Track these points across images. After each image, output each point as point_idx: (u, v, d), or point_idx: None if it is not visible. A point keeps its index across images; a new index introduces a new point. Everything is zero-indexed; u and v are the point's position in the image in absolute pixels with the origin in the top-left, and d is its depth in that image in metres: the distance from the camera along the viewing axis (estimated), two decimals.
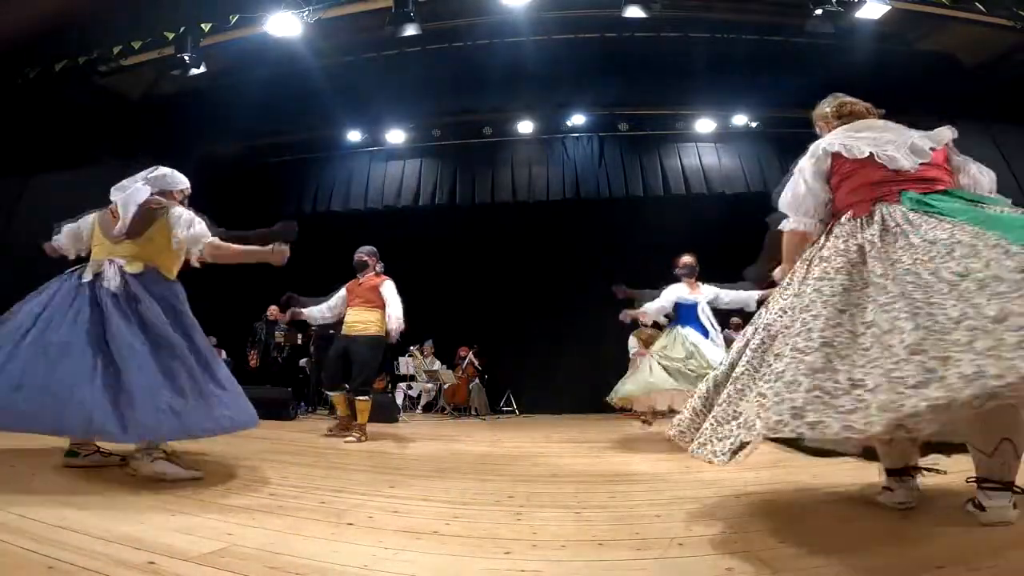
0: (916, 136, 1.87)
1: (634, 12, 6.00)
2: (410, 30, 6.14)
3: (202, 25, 6.44)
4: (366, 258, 4.74)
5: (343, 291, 4.78)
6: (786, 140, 9.10)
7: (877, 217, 1.69)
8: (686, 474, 2.74)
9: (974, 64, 7.33)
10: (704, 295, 4.32)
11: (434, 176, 9.57)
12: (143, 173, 2.85)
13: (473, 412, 8.42)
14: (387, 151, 9.69)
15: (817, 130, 2.16)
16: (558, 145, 9.44)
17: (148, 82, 8.17)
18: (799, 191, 1.96)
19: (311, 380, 7.77)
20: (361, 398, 4.40)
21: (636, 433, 4.80)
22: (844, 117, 2.05)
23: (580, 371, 8.97)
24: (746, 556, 1.46)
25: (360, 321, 4.55)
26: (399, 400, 8.18)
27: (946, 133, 1.92)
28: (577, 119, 9.03)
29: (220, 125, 8.24)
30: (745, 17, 7.45)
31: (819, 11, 5.98)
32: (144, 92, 8.33)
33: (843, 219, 1.79)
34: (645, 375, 4.12)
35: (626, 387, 4.35)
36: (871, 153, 1.80)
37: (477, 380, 8.77)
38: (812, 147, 1.96)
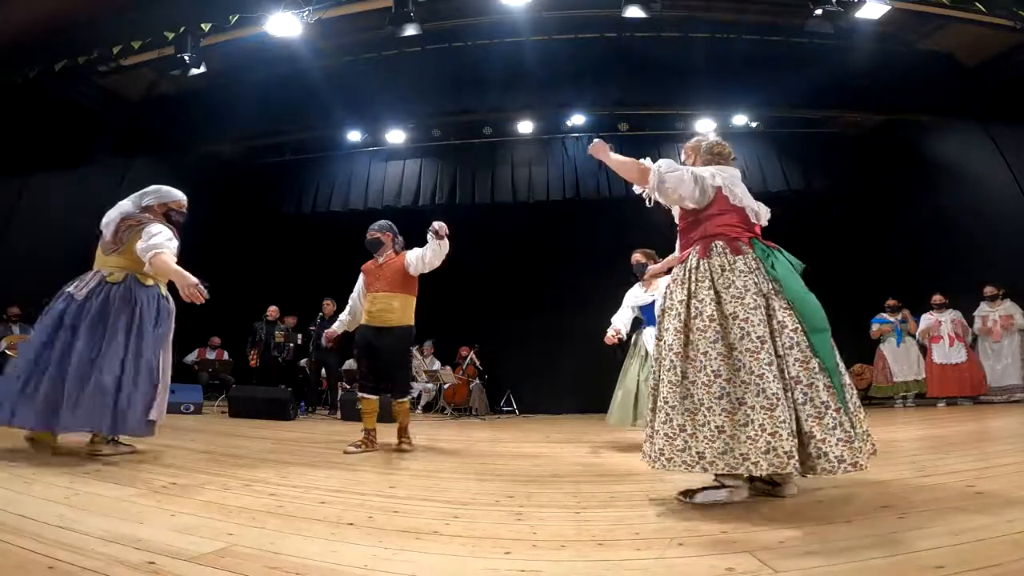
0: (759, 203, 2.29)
1: (634, 12, 6.00)
2: (410, 30, 6.13)
3: (202, 25, 6.44)
4: (379, 235, 4.02)
5: (361, 276, 4.10)
6: (786, 140, 9.12)
7: (749, 259, 2.11)
8: (686, 474, 2.73)
9: (974, 64, 7.33)
10: (660, 290, 4.00)
11: (434, 176, 9.57)
12: (138, 193, 3.19)
13: (473, 412, 8.42)
14: (387, 151, 9.69)
15: (683, 156, 2.46)
16: (558, 145, 9.44)
17: (148, 82, 8.18)
18: (683, 179, 2.20)
19: (311, 380, 7.77)
20: (401, 400, 3.94)
21: (636, 434, 4.78)
22: (715, 156, 2.37)
23: (580, 371, 8.96)
24: (746, 556, 1.46)
25: (385, 309, 3.84)
26: None
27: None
28: (577, 119, 9.02)
29: (220, 125, 8.25)
30: (745, 17, 7.46)
31: (819, 11, 5.97)
32: (144, 92, 8.34)
33: (715, 246, 2.15)
34: (628, 408, 4.02)
35: (615, 416, 4.17)
36: (746, 204, 2.22)
37: (477, 380, 8.76)
38: (703, 172, 2.24)
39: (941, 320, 7.02)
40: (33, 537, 1.50)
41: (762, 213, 2.25)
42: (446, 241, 3.82)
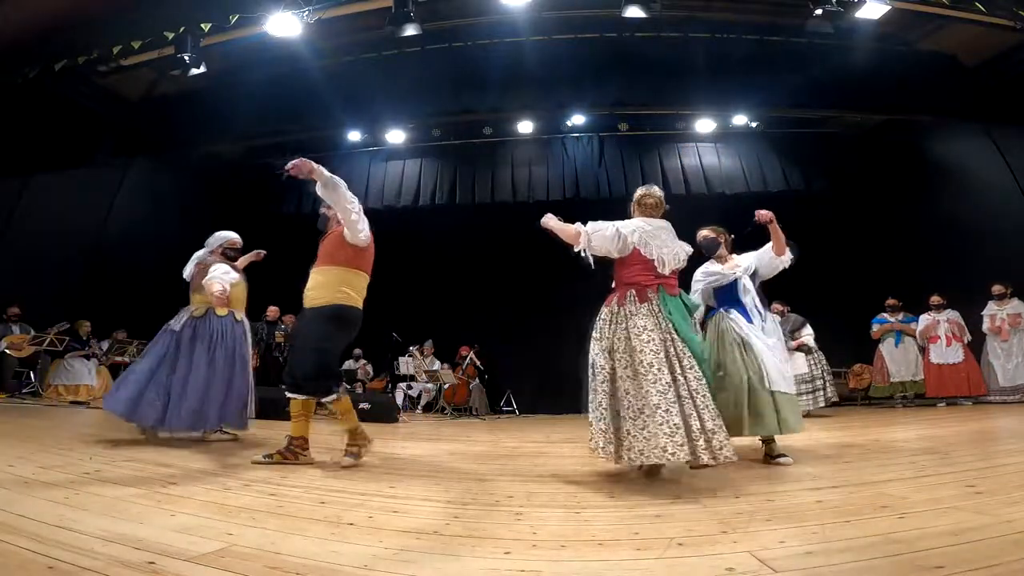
0: (679, 247, 2.83)
1: (634, 12, 5.99)
2: (410, 30, 6.13)
3: (202, 25, 6.44)
4: (325, 210, 3.31)
5: None
6: (786, 140, 9.11)
7: (652, 304, 2.68)
8: (686, 474, 2.74)
9: (974, 64, 7.33)
10: (743, 267, 3.34)
11: (434, 176, 9.57)
12: (207, 242, 4.07)
13: (473, 412, 8.42)
14: (387, 151, 9.68)
15: (631, 209, 2.95)
16: (558, 145, 9.44)
17: (148, 82, 8.17)
18: (606, 236, 2.75)
19: None
20: (327, 398, 3.09)
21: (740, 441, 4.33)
22: (643, 207, 2.89)
23: (580, 371, 8.95)
24: (746, 556, 1.46)
25: (311, 287, 3.08)
26: (399, 400, 8.18)
27: (688, 249, 2.91)
28: (577, 119, 9.02)
29: (220, 125, 8.24)
30: (745, 17, 7.46)
31: (819, 11, 5.97)
32: (144, 92, 8.34)
33: (630, 295, 2.71)
34: (740, 410, 3.10)
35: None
36: (656, 256, 2.73)
37: (477, 380, 8.76)
38: (626, 228, 2.76)
39: (939, 320, 7.01)
40: (33, 537, 1.51)
41: (669, 262, 2.75)
42: (318, 170, 2.87)
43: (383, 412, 6.29)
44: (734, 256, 3.45)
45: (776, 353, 3.19)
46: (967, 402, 6.68)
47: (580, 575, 1.40)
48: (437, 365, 8.67)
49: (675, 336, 2.59)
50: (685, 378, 2.51)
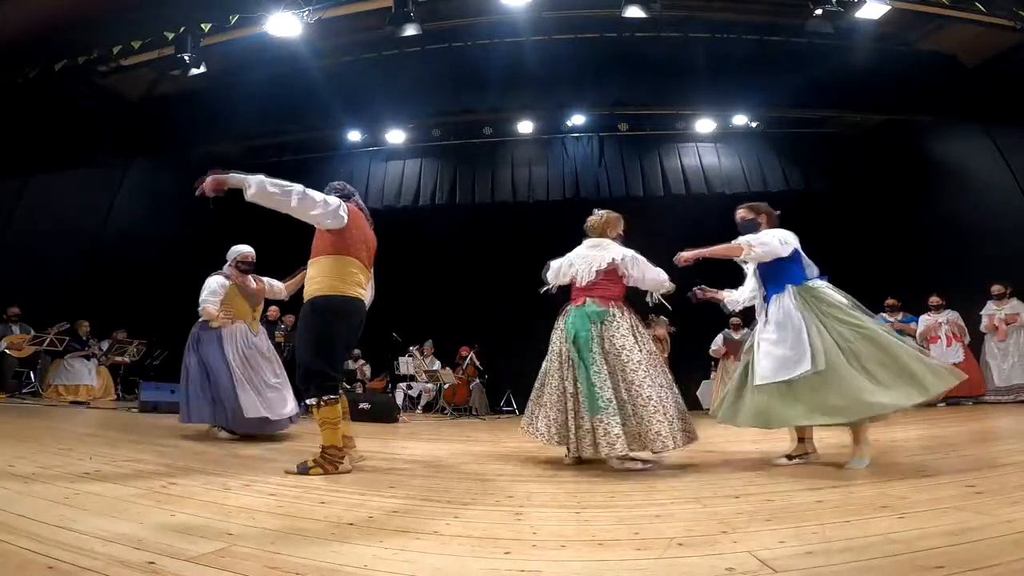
0: (596, 262, 3.19)
1: (634, 12, 6.00)
2: (410, 30, 6.13)
3: (202, 25, 6.44)
4: None
5: None
6: (786, 140, 9.11)
7: (564, 317, 3.26)
8: (685, 474, 2.74)
9: (974, 64, 7.33)
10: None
11: (434, 176, 9.57)
12: None
13: (473, 412, 8.41)
14: (387, 151, 9.69)
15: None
16: (558, 145, 9.44)
17: (148, 82, 8.18)
18: (553, 269, 3.44)
19: None
20: (310, 401, 2.78)
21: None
22: (586, 232, 3.39)
23: None
24: (746, 556, 1.45)
25: (306, 282, 3.00)
26: (399, 400, 8.17)
27: (612, 255, 3.20)
28: (577, 119, 9.02)
29: (220, 125, 8.24)
30: (745, 17, 7.46)
31: (819, 11, 5.97)
32: (144, 92, 8.34)
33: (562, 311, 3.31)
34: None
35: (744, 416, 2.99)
36: (571, 274, 3.27)
37: (477, 380, 8.76)
38: (564, 259, 3.39)
39: (940, 321, 7.01)
40: (33, 537, 1.51)
41: (579, 277, 3.21)
42: (232, 180, 2.79)
43: (383, 412, 6.29)
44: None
45: (761, 347, 2.94)
46: (967, 402, 6.68)
47: (580, 575, 1.40)
48: (437, 365, 8.66)
49: (567, 345, 3.06)
50: (570, 381, 3.01)
